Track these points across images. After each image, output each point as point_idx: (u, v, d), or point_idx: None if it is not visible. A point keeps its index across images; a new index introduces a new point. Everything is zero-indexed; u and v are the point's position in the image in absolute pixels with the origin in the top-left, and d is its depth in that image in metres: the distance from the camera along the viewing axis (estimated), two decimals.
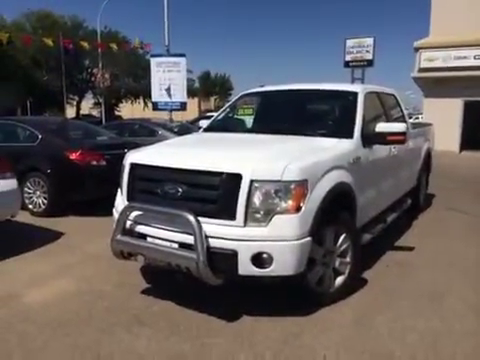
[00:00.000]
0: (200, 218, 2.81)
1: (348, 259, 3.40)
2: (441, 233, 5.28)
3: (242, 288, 3.41)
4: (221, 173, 2.84)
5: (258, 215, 2.80)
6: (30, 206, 6.02)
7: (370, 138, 3.80)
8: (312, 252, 3.04)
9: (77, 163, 5.85)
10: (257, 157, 3.00)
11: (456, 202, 6.99)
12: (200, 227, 2.75)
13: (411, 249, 4.60)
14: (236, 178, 2.79)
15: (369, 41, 19.73)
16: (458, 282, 3.72)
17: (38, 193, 5.97)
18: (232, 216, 2.79)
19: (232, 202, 2.79)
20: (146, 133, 8.73)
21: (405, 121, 5.39)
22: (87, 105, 44.22)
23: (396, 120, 5.08)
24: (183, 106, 11.39)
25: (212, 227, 2.82)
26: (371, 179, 3.98)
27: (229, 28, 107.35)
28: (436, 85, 16.01)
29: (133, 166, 3.33)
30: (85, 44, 22.11)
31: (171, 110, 11.56)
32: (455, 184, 8.92)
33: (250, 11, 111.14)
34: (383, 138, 3.77)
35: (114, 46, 21.92)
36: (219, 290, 3.25)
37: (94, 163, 5.90)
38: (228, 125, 4.43)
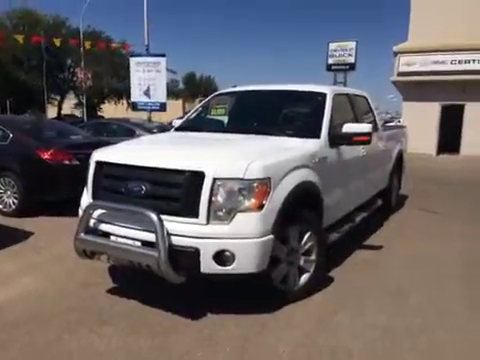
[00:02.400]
0: (163, 216, 2.81)
1: (313, 257, 3.44)
2: (410, 232, 5.39)
3: (209, 286, 3.43)
4: (184, 171, 2.85)
5: (221, 213, 2.81)
6: (0, 206, 5.91)
7: (337, 138, 3.86)
8: (276, 250, 3.08)
9: (49, 162, 5.76)
10: (221, 156, 3.02)
11: (429, 203, 7.14)
12: (162, 225, 2.75)
13: (379, 248, 4.68)
14: (199, 176, 2.81)
15: (351, 45, 19.96)
16: (422, 280, 3.80)
17: (9, 193, 5.87)
18: (195, 214, 2.80)
19: (195, 200, 2.80)
20: (124, 133, 8.66)
21: (376, 123, 5.50)
22: (69, 105, 43.59)
23: (366, 122, 5.18)
24: (162, 107, 11.33)
25: (175, 225, 2.82)
26: (338, 179, 4.05)
27: (215, 30, 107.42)
28: (414, 89, 16.35)
29: (98, 164, 3.31)
30: (57, 42, 21.59)
31: (151, 110, 11.50)
32: (430, 186, 9.12)
33: (236, 14, 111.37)
34: (349, 139, 3.84)
35: (88, 45, 21.60)
36: (185, 289, 3.27)
37: (66, 162, 5.83)
38: (199, 124, 4.44)
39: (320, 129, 3.80)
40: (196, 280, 3.06)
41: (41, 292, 3.42)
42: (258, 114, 4.31)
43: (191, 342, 2.72)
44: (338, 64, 20.12)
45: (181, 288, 3.37)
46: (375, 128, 5.49)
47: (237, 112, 4.63)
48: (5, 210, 5.89)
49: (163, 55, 11.24)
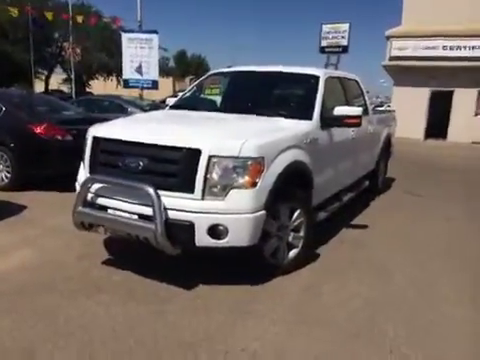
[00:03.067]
0: (160, 191, 2.92)
1: (301, 234, 3.60)
2: (394, 213, 5.61)
3: (203, 259, 3.58)
4: (181, 148, 2.95)
5: (215, 189, 2.93)
6: None
7: (328, 120, 3.98)
8: (267, 225, 3.23)
9: (42, 137, 5.78)
10: (217, 134, 3.13)
11: (414, 186, 7.38)
12: (159, 199, 2.86)
13: (365, 227, 4.88)
14: (196, 153, 2.91)
15: (345, 27, 19.76)
16: (404, 257, 4.01)
17: (1, 167, 5.90)
18: (191, 190, 2.92)
19: (191, 176, 2.91)
20: (116, 110, 8.66)
21: (366, 106, 5.63)
22: (56, 80, 42.69)
23: (357, 105, 5.31)
24: (155, 84, 11.26)
25: (171, 200, 2.94)
26: (328, 160, 4.19)
27: (208, 9, 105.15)
28: (405, 74, 16.47)
29: (96, 139, 3.38)
30: (48, 16, 21.03)
31: (142, 88, 11.42)
32: (416, 169, 9.40)
33: None
34: (340, 121, 3.96)
35: (79, 19, 21.04)
36: (179, 261, 3.41)
37: (59, 138, 5.85)
38: (194, 103, 4.50)
39: (312, 111, 3.91)
40: (190, 253, 3.20)
41: (38, 263, 3.53)
42: (253, 95, 4.40)
43: (184, 309, 2.88)
44: (331, 46, 19.94)
45: (174, 260, 3.53)
46: (366, 112, 5.63)
47: (232, 92, 4.70)
48: None
49: (155, 32, 11.11)
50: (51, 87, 40.40)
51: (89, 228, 3.24)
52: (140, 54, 10.95)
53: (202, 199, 2.92)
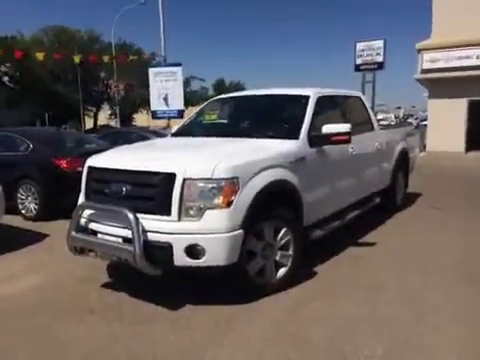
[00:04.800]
0: (140, 214, 3.09)
1: (290, 252, 3.61)
2: (410, 231, 5.39)
3: (192, 282, 3.68)
4: (158, 173, 3.13)
5: (191, 210, 3.06)
6: (23, 211, 6.44)
7: (316, 139, 4.01)
8: (250, 245, 3.30)
9: (65, 170, 6.23)
10: (192, 158, 3.28)
11: (444, 202, 6.94)
12: (137, 222, 3.03)
13: (372, 245, 4.76)
14: (171, 177, 3.07)
15: (379, 43, 19.62)
16: (405, 277, 3.82)
17: (30, 199, 6.39)
18: (168, 212, 3.07)
19: (168, 199, 3.06)
20: (139, 141, 9.10)
21: (371, 123, 5.57)
22: (104, 116, 45.46)
23: (358, 122, 5.28)
24: (180, 114, 11.77)
25: (151, 222, 3.09)
26: (321, 178, 4.19)
27: (243, 37, 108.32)
28: (439, 86, 15.92)
29: (89, 168, 3.66)
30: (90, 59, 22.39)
31: (169, 118, 11.98)
32: (451, 185, 8.86)
33: (262, 16, 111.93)
34: (329, 139, 3.98)
35: (108, 57, 22.27)
36: (170, 283, 3.57)
37: (81, 169, 6.24)
38: (191, 130, 4.71)
39: (299, 130, 3.97)
40: (176, 274, 3.33)
41: (42, 286, 3.80)
42: (244, 118, 4.55)
43: (167, 329, 2.98)
44: (366, 64, 19.81)
45: (167, 283, 3.67)
46: (371, 128, 5.58)
47: (225, 117, 4.88)
48: (27, 215, 6.41)
49: (179, 64, 11.71)
50: (100, 122, 43.02)
51: (81, 252, 3.46)
52: (165, 86, 11.55)
53: (179, 220, 3.05)
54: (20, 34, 37.51)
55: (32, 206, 6.38)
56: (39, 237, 5.42)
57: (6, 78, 38.31)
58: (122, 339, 2.85)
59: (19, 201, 6.45)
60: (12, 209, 6.22)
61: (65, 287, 3.77)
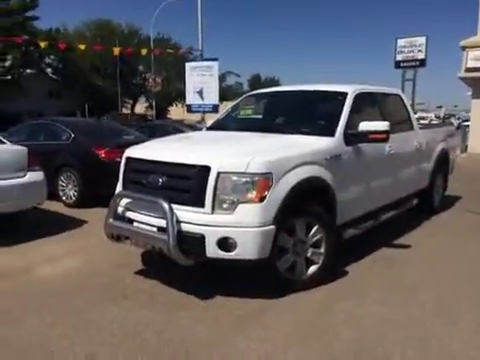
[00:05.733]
0: (175, 205, 3.17)
1: (322, 250, 3.59)
2: (446, 233, 5.23)
3: (222, 273, 3.73)
4: (193, 165, 3.19)
5: (224, 204, 3.10)
6: (64, 198, 6.73)
7: (353, 137, 3.95)
8: (281, 240, 3.31)
9: (104, 159, 6.45)
10: (228, 152, 3.32)
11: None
12: (172, 213, 3.10)
13: (407, 247, 4.65)
14: (206, 170, 3.12)
15: (421, 40, 18.99)
16: (439, 282, 3.72)
17: (70, 186, 6.66)
18: (201, 204, 3.12)
19: (202, 191, 3.12)
20: (175, 133, 9.28)
21: (411, 121, 5.42)
22: (141, 108, 46.46)
23: (399, 121, 5.15)
24: (215, 108, 11.85)
25: (185, 213, 3.16)
26: (357, 177, 4.12)
27: (280, 32, 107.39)
28: None
29: (127, 159, 3.77)
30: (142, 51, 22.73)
31: (204, 112, 12.10)
32: None
33: (299, 11, 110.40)
34: (366, 136, 3.91)
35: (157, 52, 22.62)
36: (201, 273, 3.65)
37: (118, 159, 6.44)
38: (226, 124, 4.75)
39: (335, 127, 3.91)
40: (206, 264, 3.38)
41: (80, 270, 3.97)
42: (280, 114, 4.53)
43: (196, 317, 3.05)
44: (407, 61, 19.26)
45: (198, 273, 3.74)
46: (410, 127, 5.43)
47: (260, 112, 4.89)
48: (67, 201, 6.69)
49: (216, 59, 11.79)
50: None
51: (117, 239, 3.58)
52: (201, 81, 11.66)
53: (212, 213, 3.10)
54: (64, 27, 38.91)
55: (72, 193, 6.65)
56: (78, 223, 5.65)
57: (49, 69, 39.86)
58: (152, 324, 2.94)
59: (60, 188, 6.73)
60: (53, 195, 6.50)
61: (101, 272, 3.92)
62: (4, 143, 5.07)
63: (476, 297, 3.38)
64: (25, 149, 5.02)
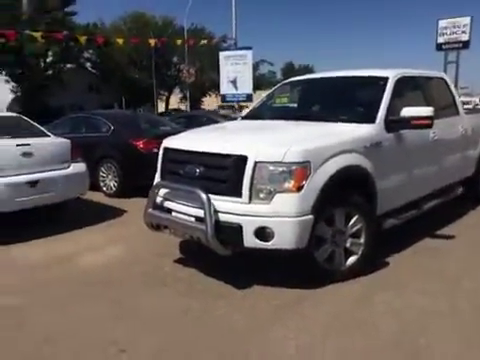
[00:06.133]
0: (212, 195, 3.18)
1: (361, 240, 3.51)
2: None
3: (263, 262, 3.73)
4: (230, 155, 3.19)
5: (262, 193, 3.08)
6: (104, 188, 6.95)
7: (395, 123, 3.80)
8: (320, 230, 3.26)
9: (142, 151, 6.58)
10: (264, 141, 3.28)
11: None
12: (209, 203, 3.12)
13: (451, 237, 4.46)
14: (242, 160, 3.11)
15: (465, 21, 18.11)
16: None
17: (110, 177, 6.87)
18: (239, 194, 3.12)
19: (239, 181, 3.11)
20: (210, 124, 9.33)
21: (456, 106, 5.16)
22: (176, 99, 47.03)
23: (443, 106, 4.91)
24: (249, 98, 11.79)
25: (222, 203, 3.17)
26: (398, 165, 3.98)
27: (313, 19, 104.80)
28: None
29: (165, 150, 3.83)
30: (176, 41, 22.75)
31: (238, 102, 12.07)
32: None
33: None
34: (408, 122, 3.76)
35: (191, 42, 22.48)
36: (239, 262, 3.66)
37: (156, 150, 6.55)
38: (262, 113, 4.71)
39: (376, 114, 3.78)
40: (244, 254, 3.39)
41: (121, 258, 4.10)
42: (317, 101, 4.44)
43: (233, 306, 3.08)
44: (449, 42, 18.45)
45: (236, 262, 3.76)
46: (455, 112, 5.17)
47: (296, 100, 4.80)
48: (108, 192, 6.90)
49: (250, 48, 11.68)
50: (171, 106, 44.62)
51: (157, 228, 3.65)
52: (235, 70, 11.60)
53: (249, 202, 3.10)
54: (101, 22, 39.83)
55: (112, 184, 6.85)
56: (118, 213, 5.82)
57: (88, 64, 41.02)
58: (191, 312, 3.00)
59: (100, 179, 6.96)
60: (94, 186, 6.72)
61: (141, 260, 4.03)
62: (49, 136, 5.27)
63: None
64: (68, 141, 5.20)
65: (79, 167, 5.22)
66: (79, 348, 2.62)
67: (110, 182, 6.89)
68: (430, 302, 3.04)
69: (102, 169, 6.93)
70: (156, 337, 2.70)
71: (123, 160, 6.73)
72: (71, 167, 5.11)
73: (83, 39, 16.65)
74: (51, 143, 5.12)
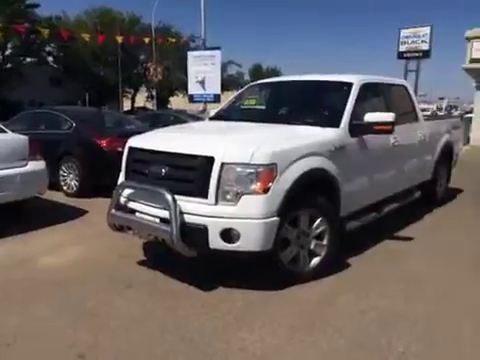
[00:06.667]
0: (178, 196, 3.14)
1: (325, 242, 3.57)
2: (450, 227, 5.20)
3: (224, 265, 3.72)
4: (197, 156, 3.16)
5: (228, 195, 3.07)
6: (65, 188, 6.70)
7: (358, 128, 3.91)
8: (285, 232, 3.29)
9: (106, 149, 6.41)
10: (231, 142, 3.28)
11: None
12: (175, 204, 3.08)
13: (410, 239, 4.63)
14: (209, 160, 3.09)
15: (425, 30, 18.73)
16: (442, 274, 3.71)
17: (71, 176, 6.63)
18: (205, 195, 3.10)
19: (205, 182, 3.09)
20: (177, 123, 9.22)
21: (415, 113, 5.37)
22: (142, 98, 46.23)
23: (404, 112, 5.10)
24: (217, 98, 11.77)
25: (188, 204, 3.14)
26: (361, 168, 4.09)
27: (281, 22, 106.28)
28: None
29: (130, 149, 3.74)
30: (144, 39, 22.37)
31: (205, 102, 12.02)
32: None
33: (300, 1, 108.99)
34: (370, 127, 3.87)
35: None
36: (204, 265, 3.63)
37: (120, 149, 6.39)
38: (229, 114, 4.70)
39: (340, 118, 3.87)
40: (209, 256, 3.37)
41: (82, 260, 3.96)
42: (284, 104, 4.49)
43: (199, 308, 3.04)
44: (410, 51, 19.10)
45: (202, 264, 3.73)
46: (415, 118, 5.38)
47: (264, 102, 4.84)
48: (68, 191, 6.67)
49: (218, 48, 11.66)
50: (137, 104, 43.81)
51: (120, 229, 3.57)
52: (203, 70, 11.55)
53: (215, 204, 3.08)
54: (64, 15, 38.56)
55: (73, 183, 6.63)
56: (80, 213, 5.63)
57: (50, 58, 39.60)
58: (155, 314, 2.94)
59: (61, 178, 6.71)
60: (54, 185, 6.48)
61: (104, 262, 3.92)
62: (5, 132, 5.03)
63: (479, 289, 3.37)
64: (26, 138, 4.99)
65: (37, 165, 5.01)
66: (36, 352, 2.51)
67: (71, 181, 6.65)
68: (390, 303, 3.14)
69: (63, 168, 6.69)
70: (118, 340, 2.63)
71: (85, 159, 6.53)
72: (29, 165, 4.90)
73: (46, 32, 16.04)
74: (7, 139, 4.88)
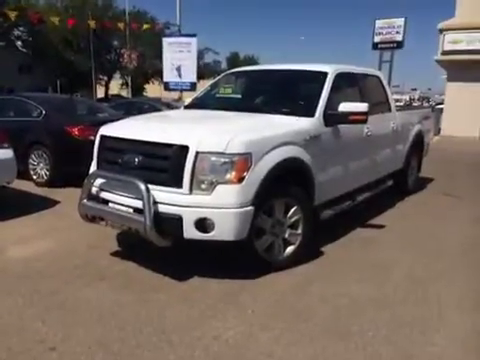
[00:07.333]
0: (152, 186, 3.09)
1: (299, 231, 3.61)
2: (421, 215, 5.36)
3: (200, 254, 3.71)
4: (171, 145, 3.10)
5: (203, 184, 3.04)
6: (34, 177, 6.50)
7: (333, 117, 3.93)
8: (260, 222, 3.29)
9: (77, 137, 6.23)
10: (206, 131, 3.24)
11: (456, 188, 6.91)
12: (148, 193, 3.03)
13: (382, 227, 4.74)
14: (184, 150, 3.04)
15: (400, 22, 18.96)
16: (413, 261, 3.81)
17: (41, 165, 6.43)
18: (179, 184, 3.06)
19: (180, 172, 3.05)
20: (152, 111, 9.06)
21: (388, 103, 5.45)
22: (116, 85, 45.15)
23: (377, 102, 5.17)
24: (193, 86, 11.62)
25: (162, 194, 3.09)
26: (335, 158, 4.13)
27: (259, 8, 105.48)
28: (459, 69, 15.52)
29: (102, 137, 3.65)
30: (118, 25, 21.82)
31: (181, 90, 11.84)
32: (464, 170, 8.76)
33: None
34: (345, 117, 3.90)
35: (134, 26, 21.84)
36: (179, 255, 3.60)
37: (92, 138, 6.23)
38: (205, 102, 4.65)
39: (315, 108, 3.89)
40: (184, 246, 3.35)
41: (53, 251, 3.86)
42: (259, 93, 4.47)
43: (174, 298, 3.02)
44: (385, 42, 19.32)
45: (175, 254, 3.71)
46: (388, 108, 5.47)
47: (240, 91, 4.80)
48: (38, 180, 6.47)
49: (194, 35, 11.46)
50: (111, 92, 42.75)
51: (92, 220, 3.49)
52: (179, 57, 11.35)
53: (190, 194, 3.05)
54: None
55: (43, 172, 6.43)
56: (50, 203, 5.48)
57: (19, 42, 38.05)
58: (129, 306, 2.90)
59: (31, 167, 6.50)
60: (23, 174, 6.27)
61: (76, 253, 3.83)
62: None
63: (449, 279, 3.48)
64: None
65: (5, 153, 4.84)
66: (3, 347, 2.43)
67: (41, 170, 6.46)
68: (361, 289, 3.21)
69: (32, 156, 6.48)
70: (90, 333, 2.58)
71: (56, 147, 6.32)
72: None
73: (13, 15, 15.35)
74: None
